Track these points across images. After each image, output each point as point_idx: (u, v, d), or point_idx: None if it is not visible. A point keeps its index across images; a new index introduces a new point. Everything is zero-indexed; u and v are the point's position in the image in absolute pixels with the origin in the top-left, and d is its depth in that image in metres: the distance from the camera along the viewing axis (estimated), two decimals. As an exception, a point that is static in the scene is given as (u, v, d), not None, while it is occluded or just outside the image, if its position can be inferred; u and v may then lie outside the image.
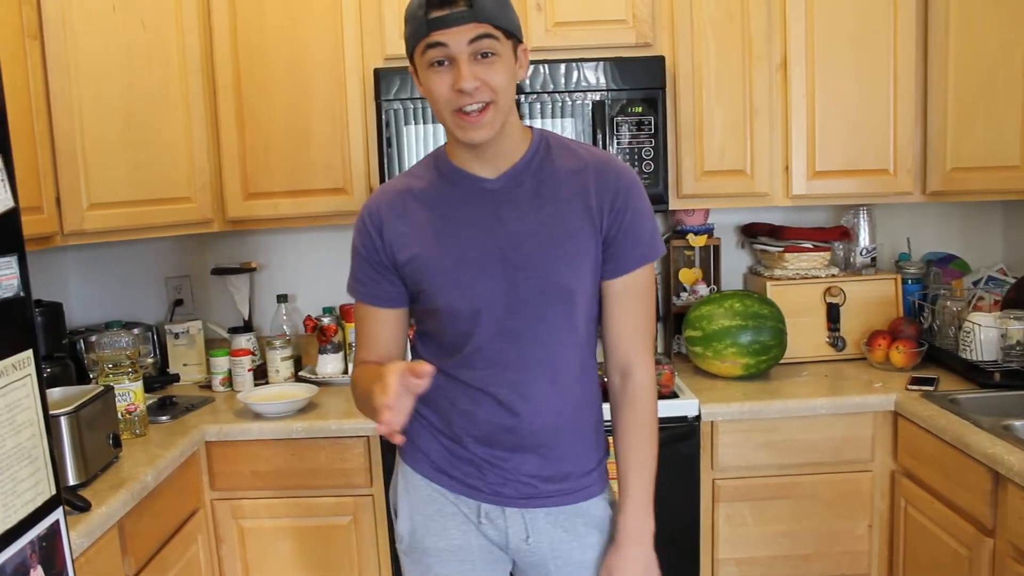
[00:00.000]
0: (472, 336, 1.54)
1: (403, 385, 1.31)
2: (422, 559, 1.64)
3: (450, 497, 1.61)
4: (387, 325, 1.62)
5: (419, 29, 1.43)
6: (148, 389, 2.58)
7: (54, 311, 2.51)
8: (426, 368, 1.30)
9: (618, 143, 2.50)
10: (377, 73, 2.50)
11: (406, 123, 2.51)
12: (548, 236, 1.51)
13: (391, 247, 1.56)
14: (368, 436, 2.36)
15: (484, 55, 1.42)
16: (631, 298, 1.57)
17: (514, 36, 1.47)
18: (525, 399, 1.54)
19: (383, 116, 2.51)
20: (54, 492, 1.43)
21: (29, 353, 1.39)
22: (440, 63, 1.43)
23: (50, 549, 1.42)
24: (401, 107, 2.50)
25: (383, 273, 1.58)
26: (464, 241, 1.53)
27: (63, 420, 1.86)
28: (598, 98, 2.47)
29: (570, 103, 2.49)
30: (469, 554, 1.62)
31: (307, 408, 2.47)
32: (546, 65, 2.48)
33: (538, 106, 2.49)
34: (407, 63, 2.61)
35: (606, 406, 1.65)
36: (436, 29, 1.40)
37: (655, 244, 1.57)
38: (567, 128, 2.49)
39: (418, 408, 1.59)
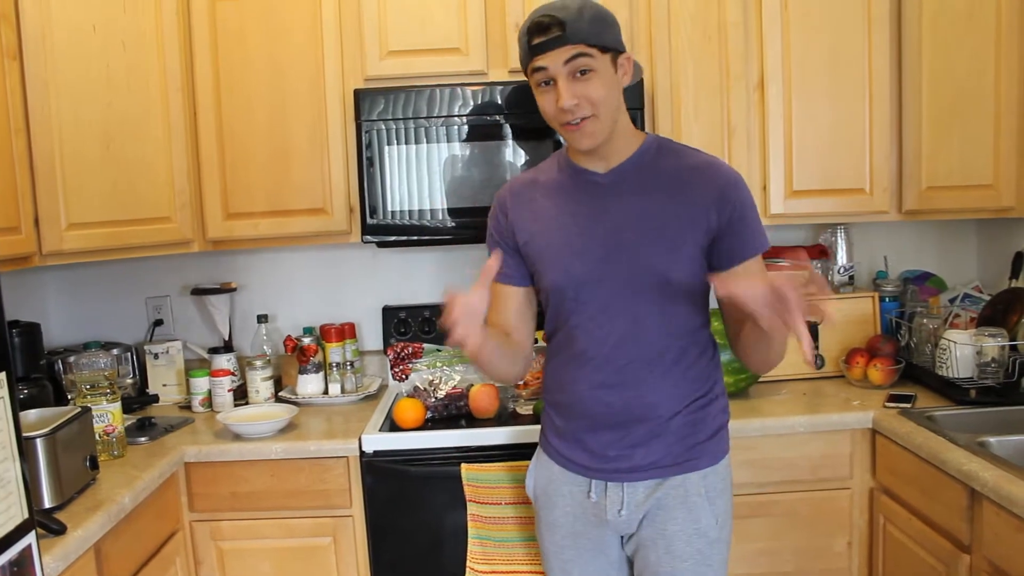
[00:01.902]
0: (573, 313, 1.75)
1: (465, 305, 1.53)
2: None
3: None
4: (508, 299, 1.85)
5: (524, 55, 1.65)
6: (127, 410, 2.57)
7: (32, 332, 2.49)
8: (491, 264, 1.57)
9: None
10: (357, 93, 2.51)
11: (388, 143, 2.52)
12: (647, 225, 1.69)
13: (512, 227, 1.82)
14: (348, 457, 2.35)
15: (582, 72, 1.61)
16: None
17: (612, 49, 1.64)
18: (615, 374, 1.73)
19: (363, 136, 2.51)
20: (26, 516, 1.42)
21: (1, 376, 1.39)
22: (546, 83, 1.64)
23: (22, 574, 1.40)
24: (384, 127, 2.51)
25: (507, 252, 1.82)
26: (572, 227, 1.75)
27: (38, 442, 1.84)
28: (577, 118, 2.48)
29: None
30: None
31: (287, 429, 2.46)
32: (515, 89, 2.50)
33: (519, 125, 2.51)
34: (387, 83, 2.65)
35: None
36: (537, 55, 1.62)
37: (764, 236, 1.74)
38: (546, 148, 2.51)
39: None
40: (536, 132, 2.51)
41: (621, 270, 1.70)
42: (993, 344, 2.40)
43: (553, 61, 1.60)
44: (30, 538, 1.44)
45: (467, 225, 2.55)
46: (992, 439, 2.08)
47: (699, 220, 1.68)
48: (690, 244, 1.69)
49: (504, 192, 1.88)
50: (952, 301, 2.86)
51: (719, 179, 1.70)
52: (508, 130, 2.51)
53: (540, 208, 1.80)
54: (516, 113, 2.50)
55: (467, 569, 2.29)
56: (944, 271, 2.99)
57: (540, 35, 1.60)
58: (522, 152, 2.53)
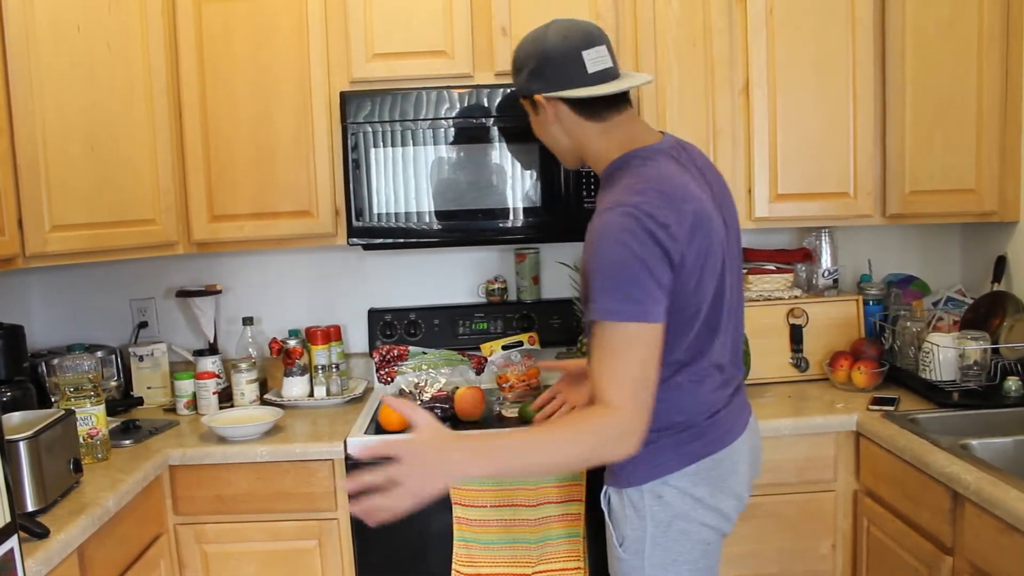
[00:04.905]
0: None
1: None
2: None
3: None
4: None
5: None
6: (111, 412, 2.56)
7: (15, 334, 2.47)
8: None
9: (581, 167, 2.52)
10: (343, 96, 2.51)
11: (374, 146, 2.52)
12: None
13: None
14: (333, 460, 2.35)
15: None
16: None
17: (523, 95, 1.74)
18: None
19: (349, 139, 2.51)
20: (8, 520, 1.42)
21: (-15, 378, 1.38)
22: None
23: (5, 577, 1.40)
24: (370, 129, 2.51)
25: None
26: None
27: (21, 445, 1.82)
28: (563, 122, 2.49)
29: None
30: None
31: (272, 431, 2.46)
32: (510, 90, 2.50)
33: (506, 128, 2.51)
34: (373, 86, 2.64)
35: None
36: None
37: (596, 304, 1.54)
38: (533, 151, 2.51)
39: None
40: (522, 134, 2.51)
41: None
42: (975, 347, 2.42)
43: None
44: (12, 542, 1.43)
45: (454, 228, 2.56)
46: (974, 442, 2.09)
47: None
48: None
49: None
50: (935, 304, 2.89)
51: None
52: (495, 133, 2.52)
53: None
54: (503, 116, 2.50)
55: (452, 572, 2.29)
56: (927, 275, 3.01)
57: None
58: (509, 154, 2.53)
